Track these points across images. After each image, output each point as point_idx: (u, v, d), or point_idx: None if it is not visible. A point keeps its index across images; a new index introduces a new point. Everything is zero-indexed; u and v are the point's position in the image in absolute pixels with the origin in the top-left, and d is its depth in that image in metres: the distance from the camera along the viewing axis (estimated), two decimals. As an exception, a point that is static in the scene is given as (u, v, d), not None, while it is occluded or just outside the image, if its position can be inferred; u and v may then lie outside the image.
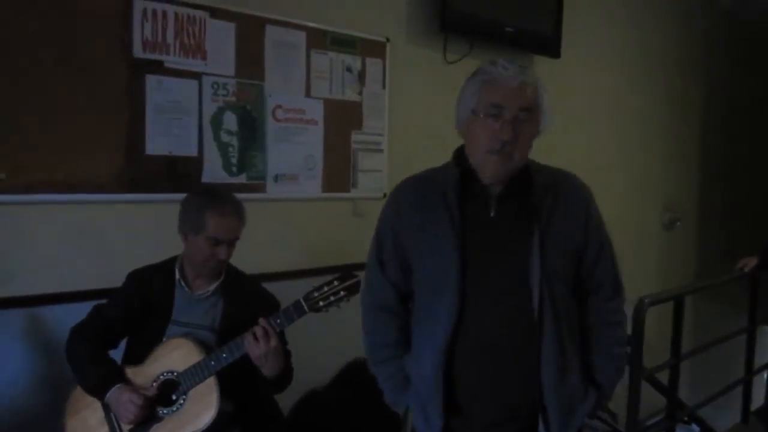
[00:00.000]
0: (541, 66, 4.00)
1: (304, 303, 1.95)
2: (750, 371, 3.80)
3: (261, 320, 1.94)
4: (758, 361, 3.87)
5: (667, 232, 5.50)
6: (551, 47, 3.94)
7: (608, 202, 4.88)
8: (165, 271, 2.13)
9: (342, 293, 1.95)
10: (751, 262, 3.51)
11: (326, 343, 2.96)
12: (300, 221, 2.96)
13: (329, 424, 2.92)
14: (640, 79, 4.99)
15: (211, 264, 2.06)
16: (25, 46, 2.20)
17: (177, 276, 2.11)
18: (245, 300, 2.12)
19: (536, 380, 1.58)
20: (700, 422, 4.12)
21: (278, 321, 1.97)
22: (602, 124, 4.66)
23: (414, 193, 1.72)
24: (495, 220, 1.61)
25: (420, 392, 1.66)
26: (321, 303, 1.95)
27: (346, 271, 1.99)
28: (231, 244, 2.06)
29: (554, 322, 1.58)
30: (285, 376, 2.08)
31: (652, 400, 3.64)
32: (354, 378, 3.11)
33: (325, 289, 1.96)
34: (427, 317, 1.64)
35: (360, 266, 3.07)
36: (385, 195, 3.22)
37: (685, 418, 3.98)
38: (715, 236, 6.06)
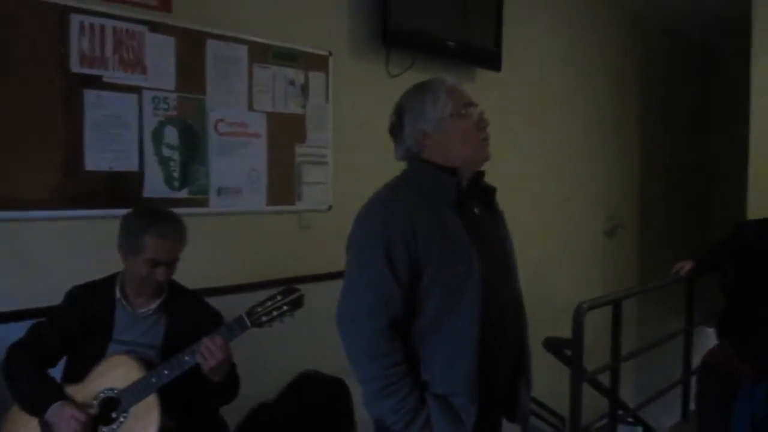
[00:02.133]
0: (483, 79, 4.09)
1: (246, 318, 1.96)
2: (688, 371, 3.93)
3: (205, 339, 1.93)
4: (697, 361, 4.01)
5: (608, 239, 5.65)
6: (492, 61, 4.03)
7: (550, 210, 5.04)
8: (105, 289, 2.10)
9: (285, 308, 1.96)
10: (686, 266, 3.63)
11: (275, 355, 2.95)
12: (244, 235, 2.95)
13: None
14: (581, 91, 5.14)
15: (150, 284, 2.05)
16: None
17: (117, 294, 2.09)
18: (188, 317, 2.11)
19: (522, 352, 1.86)
20: (642, 423, 4.24)
21: (220, 336, 1.96)
22: (544, 134, 4.78)
23: (413, 200, 1.73)
24: (479, 217, 1.82)
25: (448, 395, 1.69)
26: (264, 318, 1.95)
27: (289, 286, 2.00)
28: (171, 264, 2.05)
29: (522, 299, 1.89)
30: (231, 384, 2.07)
31: (600, 403, 3.72)
32: (304, 390, 3.11)
33: (268, 303, 1.97)
34: (449, 322, 1.68)
35: (307, 279, 3.13)
36: (330, 207, 3.25)
37: (630, 419, 4.09)
38: (656, 242, 6.25)
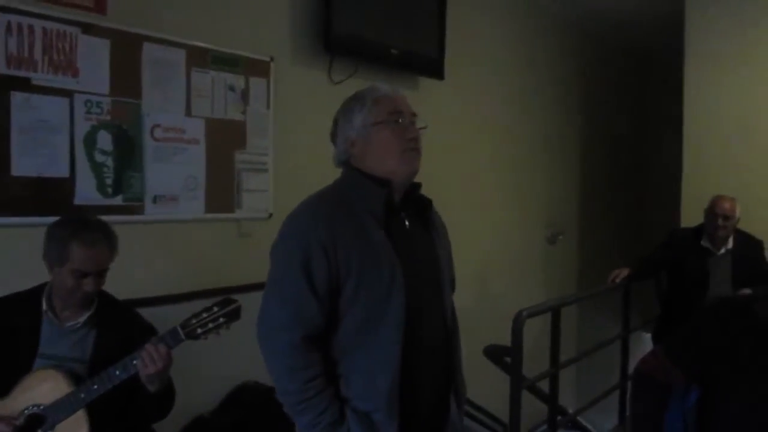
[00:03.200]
0: (426, 87, 4.10)
1: (180, 330, 1.90)
2: (625, 376, 4.02)
3: (148, 345, 1.86)
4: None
5: (550, 246, 5.74)
6: (435, 69, 4.05)
7: (492, 219, 5.08)
8: (31, 300, 2.01)
9: (221, 320, 1.91)
10: (622, 273, 3.72)
11: (212, 365, 2.88)
12: (181, 243, 2.88)
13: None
14: (523, 100, 5.21)
15: (77, 296, 1.97)
16: None
17: (44, 306, 2.00)
18: (118, 330, 2.04)
19: (452, 368, 1.82)
20: (582, 428, 4.31)
21: (163, 343, 1.90)
22: (486, 143, 4.83)
23: (338, 210, 1.68)
24: (410, 231, 1.77)
25: (368, 411, 1.66)
26: (199, 330, 1.90)
27: (226, 297, 1.95)
28: (99, 275, 1.98)
29: (455, 317, 1.86)
30: (167, 396, 2.01)
31: (541, 407, 3.77)
32: (242, 402, 3.05)
33: (204, 315, 1.91)
34: (370, 337, 1.65)
35: (246, 288, 3.07)
36: (270, 215, 3.20)
37: (569, 424, 4.15)
38: (595, 249, 6.38)
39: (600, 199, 6.47)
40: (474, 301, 4.45)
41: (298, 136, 3.36)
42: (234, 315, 1.93)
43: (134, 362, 1.87)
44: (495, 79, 4.89)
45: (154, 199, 2.73)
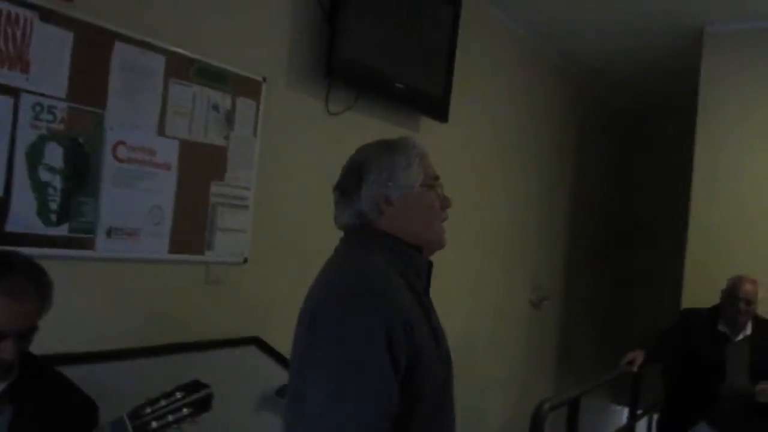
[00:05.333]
0: (428, 128, 3.71)
1: (128, 423, 1.39)
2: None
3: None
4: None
5: (534, 310, 5.34)
6: (440, 110, 3.65)
7: (478, 275, 4.64)
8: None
9: (185, 411, 1.42)
10: (638, 358, 3.32)
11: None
12: (138, 288, 2.35)
13: None
14: (519, 154, 4.87)
15: None
16: None
17: (-57, 371, 1.47)
18: (46, 409, 1.51)
19: None
20: None
21: None
22: (480, 197, 4.42)
23: (398, 281, 1.39)
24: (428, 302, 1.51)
25: None
26: (154, 424, 1.40)
27: (193, 380, 1.45)
28: (23, 336, 1.46)
29: None
30: None
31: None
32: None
33: (162, 403, 1.41)
34: (436, 423, 1.41)
35: (213, 344, 2.56)
36: (246, 260, 2.71)
37: None
38: (577, 317, 6.03)
39: (585, 264, 6.14)
40: (457, 361, 4.00)
41: (287, 169, 2.89)
42: (202, 405, 1.45)
43: None
44: (495, 130, 4.53)
45: (109, 232, 2.21)
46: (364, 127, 3.29)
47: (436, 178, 1.54)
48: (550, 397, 2.44)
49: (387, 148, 1.51)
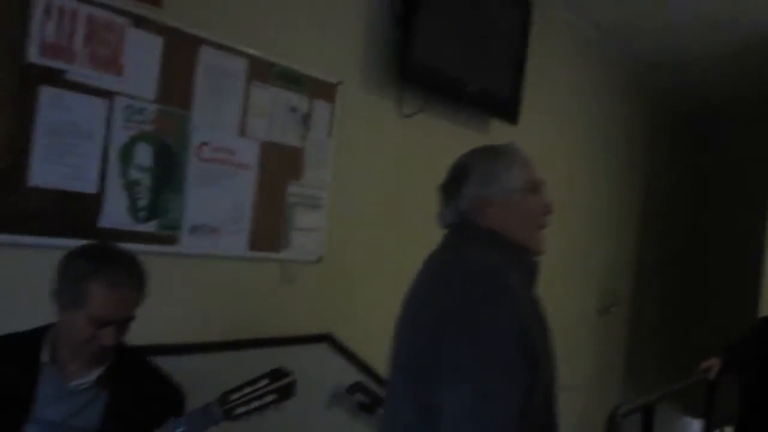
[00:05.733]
0: (497, 131, 3.70)
1: (218, 408, 1.45)
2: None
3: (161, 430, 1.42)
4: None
5: (600, 318, 5.25)
6: (510, 112, 3.64)
7: (546, 281, 4.55)
8: (29, 347, 1.57)
9: (269, 397, 1.47)
10: (714, 366, 3.23)
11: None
12: (218, 283, 2.44)
13: None
14: (588, 161, 4.81)
15: (92, 349, 1.52)
16: None
17: (45, 357, 1.56)
18: (139, 394, 1.59)
19: None
20: None
21: (180, 429, 1.45)
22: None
23: (514, 277, 1.41)
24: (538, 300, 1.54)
25: None
26: (241, 409, 1.46)
27: (277, 368, 1.51)
28: (123, 324, 1.54)
29: None
30: None
31: None
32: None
33: (248, 390, 1.47)
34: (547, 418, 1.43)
35: (287, 341, 2.62)
36: (320, 259, 2.76)
37: None
38: (645, 326, 5.90)
39: (656, 274, 5.99)
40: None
41: (360, 170, 2.94)
42: (286, 392, 1.50)
43: None
44: (564, 131, 4.48)
45: (192, 230, 2.30)
46: (436, 129, 3.32)
47: (540, 183, 1.56)
48: (624, 402, 2.40)
49: (491, 152, 1.56)
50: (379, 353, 3.05)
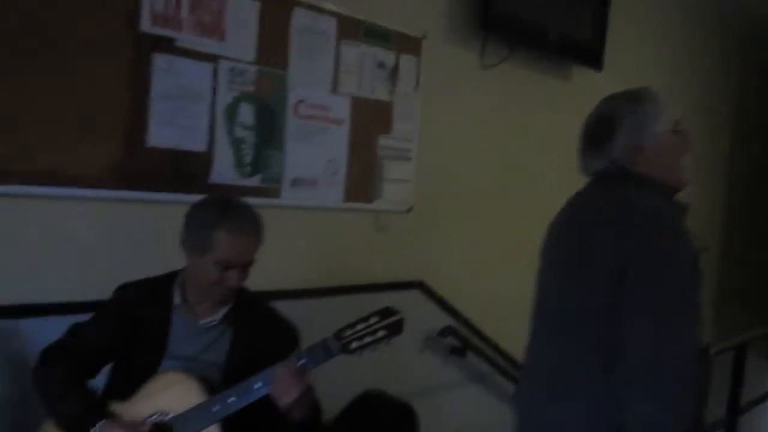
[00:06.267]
0: (581, 78, 3.68)
1: (334, 342, 1.59)
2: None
3: (279, 370, 1.57)
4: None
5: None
6: (594, 58, 3.61)
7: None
8: (162, 290, 1.75)
9: (380, 333, 1.59)
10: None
11: (335, 371, 2.58)
12: (316, 233, 2.59)
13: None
14: (675, 103, 4.67)
15: (218, 290, 1.69)
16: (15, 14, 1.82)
17: (177, 299, 1.74)
18: (260, 332, 1.75)
19: None
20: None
21: (303, 361, 1.60)
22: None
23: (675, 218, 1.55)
24: None
25: None
26: (354, 344, 1.59)
27: (387, 307, 1.63)
28: (245, 267, 1.69)
29: None
30: (314, 419, 1.72)
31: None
32: (366, 413, 2.75)
33: (360, 327, 1.60)
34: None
35: (378, 287, 2.76)
36: (410, 209, 2.87)
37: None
38: (737, 267, 5.75)
39: (745, 227, 5.80)
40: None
41: (446, 122, 3.02)
42: (396, 328, 1.62)
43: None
44: (652, 79, 4.37)
45: (293, 183, 2.45)
46: (518, 78, 3.34)
47: (679, 122, 1.62)
48: (715, 342, 2.43)
49: (635, 99, 1.60)
50: (468, 299, 3.19)
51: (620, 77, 3.96)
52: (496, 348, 3.33)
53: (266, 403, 1.59)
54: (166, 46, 2.10)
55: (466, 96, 3.11)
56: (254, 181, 2.35)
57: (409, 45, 2.79)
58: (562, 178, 3.47)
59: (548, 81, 3.53)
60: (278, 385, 1.56)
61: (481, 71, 3.16)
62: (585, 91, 3.61)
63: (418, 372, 3.05)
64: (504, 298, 3.38)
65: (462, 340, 3.16)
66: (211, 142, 2.23)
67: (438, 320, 3.08)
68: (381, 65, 2.69)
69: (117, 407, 1.66)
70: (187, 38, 2.14)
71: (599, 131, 1.61)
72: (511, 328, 3.41)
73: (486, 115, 3.21)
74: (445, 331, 3.08)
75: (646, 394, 1.38)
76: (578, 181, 1.71)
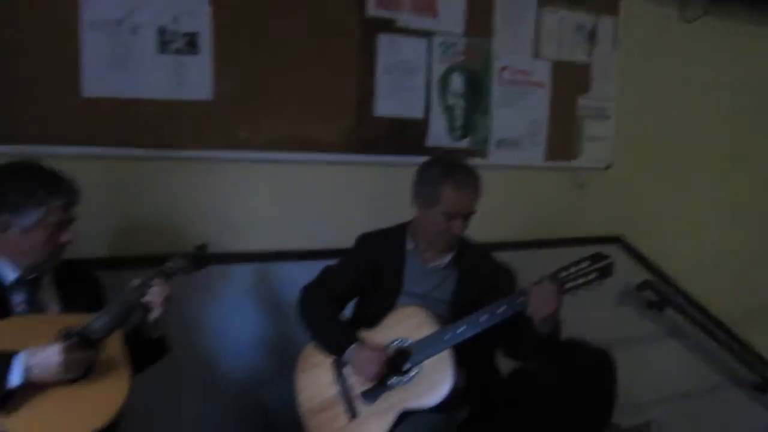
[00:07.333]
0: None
1: (550, 282, 1.80)
2: None
3: (534, 288, 1.79)
4: None
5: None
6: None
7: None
8: (396, 239, 2.06)
9: (592, 275, 1.77)
10: None
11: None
12: (520, 190, 2.79)
13: (540, 405, 2.77)
14: None
15: (445, 238, 1.96)
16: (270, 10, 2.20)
17: (409, 246, 2.04)
18: (480, 273, 2.01)
19: None
20: None
21: (522, 299, 1.82)
22: None
23: None
24: None
25: None
26: (570, 284, 1.78)
27: (598, 252, 1.80)
28: (467, 217, 1.95)
29: None
30: (557, 336, 1.95)
31: None
32: (567, 359, 2.92)
33: (573, 270, 1.79)
34: None
35: (579, 241, 2.90)
36: (608, 166, 2.98)
37: None
38: None
39: None
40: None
41: (644, 80, 3.06)
42: (606, 271, 1.79)
43: (519, 300, 1.80)
44: None
45: (498, 144, 2.67)
46: (720, 32, 3.27)
47: None
48: None
49: None
50: (668, 255, 3.22)
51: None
52: (695, 304, 3.34)
53: (489, 334, 1.84)
54: (389, 26, 2.40)
55: (667, 51, 3.12)
56: (464, 144, 2.60)
57: (606, 6, 2.87)
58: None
59: (753, 32, 3.41)
60: (539, 298, 1.78)
61: (681, 26, 3.14)
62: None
63: (615, 324, 3.15)
64: (705, 253, 3.38)
65: (660, 295, 3.21)
66: (427, 109, 2.50)
67: (636, 274, 3.17)
68: (579, 28, 2.80)
69: (364, 333, 2.00)
70: (405, 18, 2.42)
71: None
72: (712, 284, 3.41)
73: (688, 69, 3.19)
74: (644, 286, 3.16)
75: None
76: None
